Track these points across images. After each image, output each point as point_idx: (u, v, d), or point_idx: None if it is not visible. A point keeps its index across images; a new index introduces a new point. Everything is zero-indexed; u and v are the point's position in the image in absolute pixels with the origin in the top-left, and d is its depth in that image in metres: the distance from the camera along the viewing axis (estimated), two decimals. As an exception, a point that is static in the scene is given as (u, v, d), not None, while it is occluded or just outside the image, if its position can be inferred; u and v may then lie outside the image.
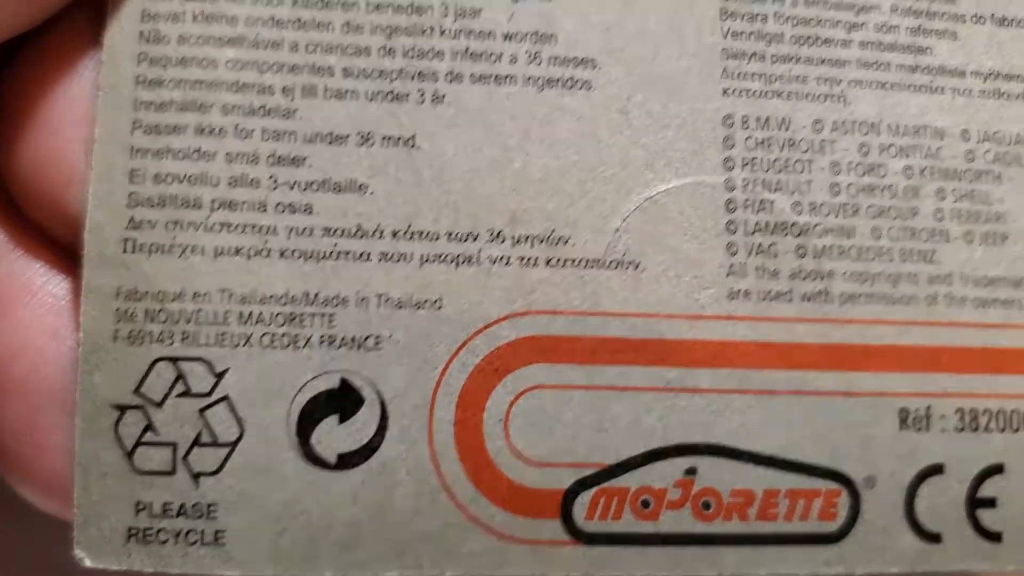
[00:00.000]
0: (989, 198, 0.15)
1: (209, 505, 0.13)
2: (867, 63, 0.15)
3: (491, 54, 0.14)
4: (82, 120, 0.13)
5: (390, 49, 0.14)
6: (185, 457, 0.13)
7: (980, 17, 0.16)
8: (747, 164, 0.15)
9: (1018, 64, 0.16)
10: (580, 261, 0.14)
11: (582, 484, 0.14)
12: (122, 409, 0.13)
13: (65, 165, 0.13)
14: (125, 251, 0.13)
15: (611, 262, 0.14)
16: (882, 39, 0.15)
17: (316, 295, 0.13)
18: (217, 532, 0.13)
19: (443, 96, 0.14)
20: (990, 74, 0.16)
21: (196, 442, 0.13)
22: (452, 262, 0.14)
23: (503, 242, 0.14)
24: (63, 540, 0.13)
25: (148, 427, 0.13)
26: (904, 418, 0.14)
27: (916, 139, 0.15)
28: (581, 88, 0.14)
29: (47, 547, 0.14)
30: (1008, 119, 0.15)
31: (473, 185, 0.14)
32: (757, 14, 0.15)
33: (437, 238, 0.14)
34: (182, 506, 0.13)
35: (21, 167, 0.13)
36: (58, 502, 0.13)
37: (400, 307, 0.14)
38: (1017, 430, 0.15)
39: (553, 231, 0.14)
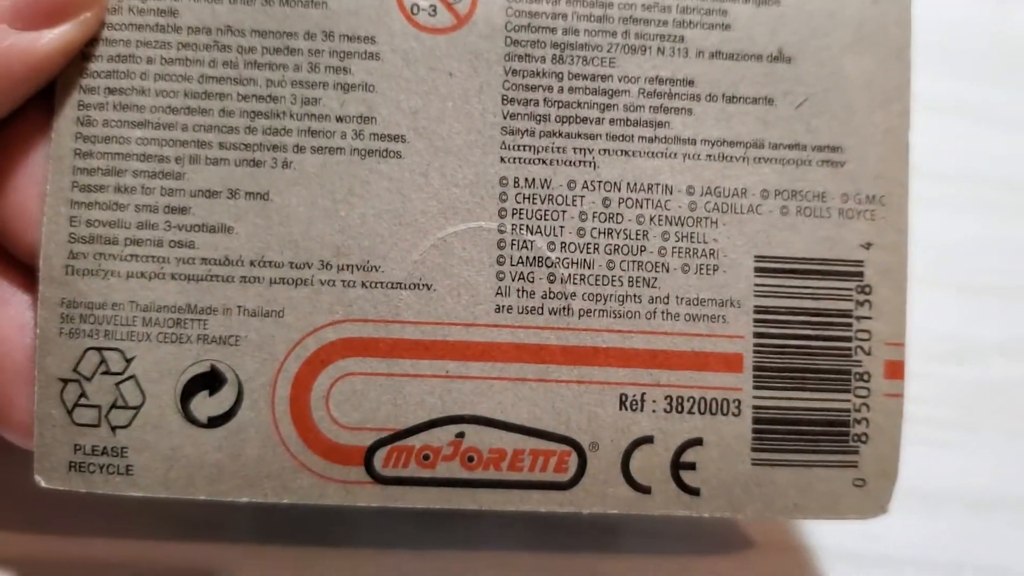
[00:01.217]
0: (705, 238, 0.20)
1: (123, 448, 0.19)
2: (614, 136, 0.20)
3: (327, 132, 0.20)
4: (39, 182, 0.19)
5: (253, 128, 0.20)
6: (107, 415, 0.19)
7: (713, 96, 0.20)
8: (515, 213, 0.20)
9: (741, 133, 0.20)
10: (387, 284, 0.20)
11: (380, 443, 0.19)
12: (65, 382, 0.19)
13: (28, 214, 0.19)
14: (67, 274, 0.19)
15: (410, 284, 0.20)
16: (629, 116, 0.20)
17: (195, 306, 0.19)
18: (128, 466, 0.19)
19: (291, 163, 0.20)
20: (717, 141, 0.20)
21: (114, 405, 0.19)
22: (292, 283, 0.19)
23: (330, 269, 0.19)
24: (30, 468, 0.19)
25: (82, 394, 0.19)
26: (623, 401, 0.20)
27: (649, 194, 0.20)
28: (393, 157, 0.20)
29: (24, 474, 0.20)
30: (729, 177, 0.20)
31: (309, 228, 0.19)
32: (530, 99, 0.20)
33: (282, 266, 0.19)
34: (104, 448, 0.19)
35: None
36: (26, 442, 0.20)
37: (254, 316, 0.19)
38: (715, 413, 0.20)
39: (368, 261, 0.20)
